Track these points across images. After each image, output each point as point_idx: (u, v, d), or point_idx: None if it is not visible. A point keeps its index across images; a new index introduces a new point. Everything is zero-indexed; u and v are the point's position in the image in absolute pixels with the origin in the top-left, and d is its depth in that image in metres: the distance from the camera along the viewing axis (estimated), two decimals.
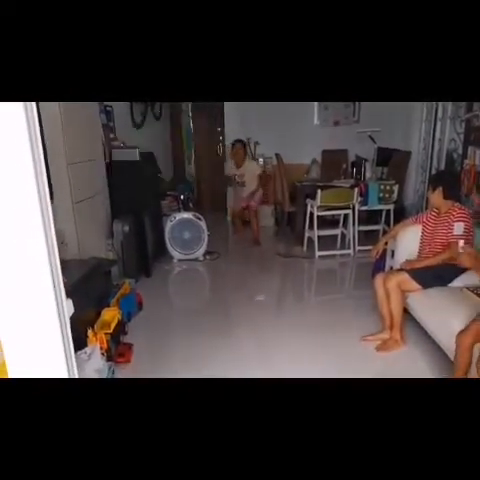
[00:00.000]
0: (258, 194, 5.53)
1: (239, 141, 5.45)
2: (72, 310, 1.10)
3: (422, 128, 5.85)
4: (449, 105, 5.19)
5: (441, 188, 2.94)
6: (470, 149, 4.52)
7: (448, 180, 3.10)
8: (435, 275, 2.87)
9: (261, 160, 6.21)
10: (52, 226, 0.93)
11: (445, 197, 2.95)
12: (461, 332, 2.26)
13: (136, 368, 2.73)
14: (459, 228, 2.84)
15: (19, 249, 0.92)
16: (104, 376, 2.44)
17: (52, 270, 0.92)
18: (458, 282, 2.83)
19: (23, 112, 0.91)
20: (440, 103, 5.40)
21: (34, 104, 0.97)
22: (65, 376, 0.94)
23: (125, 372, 2.67)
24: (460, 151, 4.83)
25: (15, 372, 0.93)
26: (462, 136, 4.79)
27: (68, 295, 2.59)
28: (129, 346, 2.93)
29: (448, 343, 2.49)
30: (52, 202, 3.38)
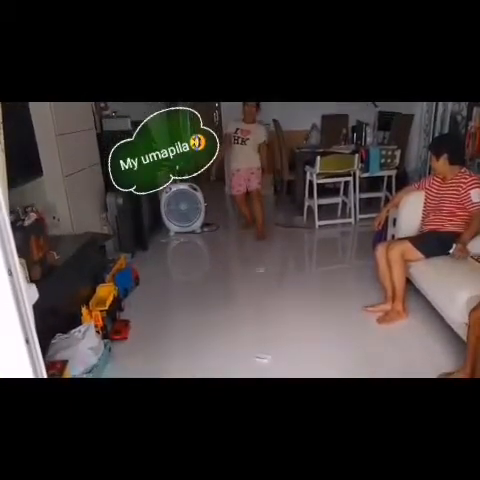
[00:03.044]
0: (259, 173, 4.60)
1: None
2: (36, 296, 1.01)
3: None
4: None
5: (446, 155, 2.81)
6: (475, 110, 4.35)
7: (452, 145, 2.96)
8: (438, 244, 2.78)
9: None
10: (2, 205, 0.82)
11: (451, 163, 2.82)
12: (477, 310, 2.15)
13: (133, 345, 2.69)
14: (477, 195, 2.74)
15: None
16: (100, 354, 2.39)
17: (6, 254, 0.82)
18: None
19: None
20: None
21: None
22: (29, 371, 0.86)
23: (122, 349, 2.62)
24: (464, 113, 4.66)
25: None
26: None
27: (60, 272, 2.52)
28: (126, 323, 2.87)
29: (452, 314, 2.43)
30: (41, 175, 3.27)
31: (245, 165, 4.56)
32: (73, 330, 2.43)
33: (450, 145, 2.94)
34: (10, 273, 0.81)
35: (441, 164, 2.86)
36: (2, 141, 1.03)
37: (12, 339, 0.84)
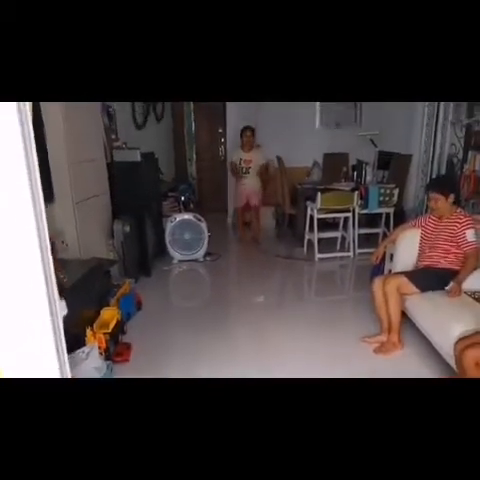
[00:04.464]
0: (259, 193, 5.50)
1: (249, 127, 5.40)
2: (65, 311, 1.10)
3: (423, 132, 5.86)
4: (450, 109, 5.21)
5: (453, 195, 2.93)
6: (470, 154, 4.53)
7: (455, 186, 3.09)
8: (433, 279, 2.88)
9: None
10: (45, 227, 0.93)
11: (453, 203, 2.96)
12: (461, 341, 2.25)
13: (134, 367, 2.74)
14: (472, 235, 2.87)
15: (12, 250, 0.92)
16: (102, 375, 2.45)
17: (45, 271, 0.92)
18: None
19: (16, 113, 0.89)
20: (441, 107, 5.42)
21: (28, 105, 0.95)
22: (57, 377, 0.95)
23: (123, 371, 2.68)
24: (460, 156, 4.85)
25: (7, 373, 0.94)
26: (462, 141, 4.80)
27: (67, 295, 2.61)
28: (127, 345, 2.94)
29: (446, 347, 2.49)
30: (52, 202, 3.38)
31: (248, 187, 5.43)
32: (78, 351, 2.50)
33: (454, 185, 3.07)
34: (47, 288, 0.91)
35: (448, 204, 2.94)
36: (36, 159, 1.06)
37: (45, 344, 0.92)
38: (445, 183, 3.18)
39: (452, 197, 2.93)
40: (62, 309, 1.05)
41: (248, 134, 5.35)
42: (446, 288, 2.78)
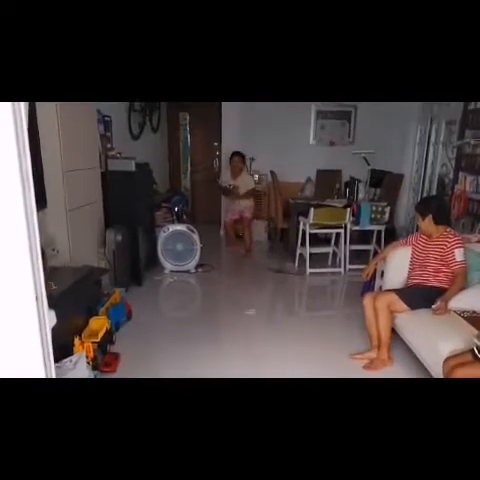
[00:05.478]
0: (251, 207, 5.62)
1: (238, 153, 5.50)
2: (54, 321, 1.09)
3: (415, 152, 5.97)
4: (442, 130, 5.31)
5: (431, 216, 2.98)
6: (461, 175, 4.61)
7: (437, 206, 3.10)
8: (423, 297, 2.91)
9: (256, 176, 6.31)
10: (37, 236, 0.92)
11: (436, 223, 3.00)
12: (450, 360, 2.26)
13: (122, 377, 2.71)
14: (460, 254, 2.90)
15: (2, 259, 0.91)
16: None
17: (35, 281, 0.92)
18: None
19: (11, 115, 0.88)
20: (433, 128, 5.53)
21: (22, 107, 0.94)
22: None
23: None
24: (451, 176, 4.93)
25: None
26: (453, 162, 4.89)
27: (56, 302, 2.58)
28: (116, 356, 2.91)
29: (434, 365, 2.50)
30: (45, 208, 3.35)
31: (242, 203, 5.59)
32: (64, 360, 2.46)
33: (435, 206, 3.07)
34: (37, 298, 0.90)
35: (426, 224, 3.01)
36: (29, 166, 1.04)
37: (32, 354, 0.91)
38: (425, 204, 3.21)
39: (430, 217, 2.98)
40: (51, 319, 1.04)
41: (236, 160, 5.45)
42: (433, 306, 2.80)
